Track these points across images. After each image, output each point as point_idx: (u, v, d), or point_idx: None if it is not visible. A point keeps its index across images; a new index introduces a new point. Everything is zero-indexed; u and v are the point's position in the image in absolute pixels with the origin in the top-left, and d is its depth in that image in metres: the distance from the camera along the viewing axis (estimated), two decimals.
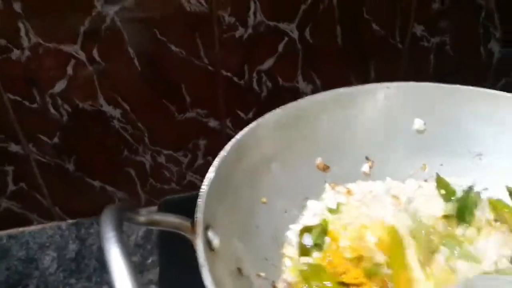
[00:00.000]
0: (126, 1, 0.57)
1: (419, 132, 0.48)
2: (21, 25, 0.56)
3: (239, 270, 0.36)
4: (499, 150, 0.47)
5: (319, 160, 0.47)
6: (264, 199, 0.43)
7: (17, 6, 0.54)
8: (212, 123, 0.69)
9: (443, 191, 0.47)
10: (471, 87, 0.46)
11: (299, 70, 0.66)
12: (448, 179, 0.48)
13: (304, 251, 0.42)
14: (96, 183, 0.70)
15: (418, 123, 0.48)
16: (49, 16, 0.56)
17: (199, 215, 0.33)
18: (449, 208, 0.44)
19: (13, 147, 0.64)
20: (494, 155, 0.47)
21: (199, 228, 0.32)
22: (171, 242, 0.63)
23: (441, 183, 0.48)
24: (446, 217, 0.44)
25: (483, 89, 0.46)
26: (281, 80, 0.67)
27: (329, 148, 0.47)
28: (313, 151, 0.47)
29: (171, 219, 0.32)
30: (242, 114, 0.69)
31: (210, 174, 0.36)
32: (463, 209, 0.44)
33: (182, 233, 0.32)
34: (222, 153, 0.38)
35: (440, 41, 0.68)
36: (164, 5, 0.58)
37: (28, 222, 0.71)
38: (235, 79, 0.66)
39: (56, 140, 0.65)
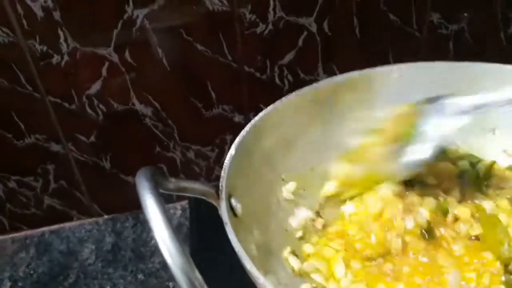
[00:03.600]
0: (154, 5, 0.61)
1: None
2: (60, 32, 0.60)
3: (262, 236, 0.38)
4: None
5: (336, 142, 0.49)
6: (283, 176, 0.45)
7: (56, 15, 0.59)
8: (237, 118, 0.72)
9: None
10: (483, 63, 0.48)
11: (319, 63, 0.69)
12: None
13: None
14: (131, 179, 0.74)
15: None
16: (85, 22, 0.61)
17: (223, 184, 0.36)
18: None
19: (54, 147, 0.69)
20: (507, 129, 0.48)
21: (223, 195, 0.34)
22: (201, 232, 0.66)
23: None
24: None
25: (495, 65, 0.47)
26: (302, 73, 0.69)
27: (347, 130, 0.49)
28: (331, 133, 0.49)
29: (198, 186, 0.35)
30: None
31: (232, 150, 0.39)
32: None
33: (208, 199, 0.35)
34: (242, 133, 0.41)
35: (458, 28, 0.69)
36: (189, 5, 0.62)
37: (69, 218, 0.76)
38: (258, 74, 0.69)
39: (92, 139, 0.69)
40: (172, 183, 0.32)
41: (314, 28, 0.66)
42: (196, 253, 0.59)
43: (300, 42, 0.67)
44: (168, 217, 0.73)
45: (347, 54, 0.69)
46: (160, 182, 0.30)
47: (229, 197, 0.36)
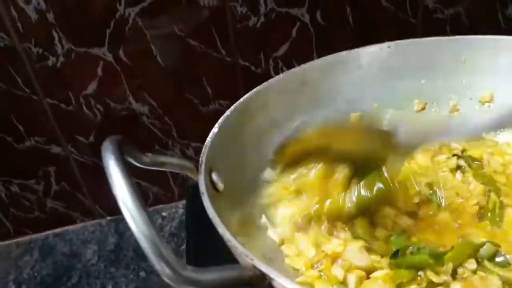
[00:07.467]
0: (145, 2, 0.61)
1: None
2: (54, 33, 0.61)
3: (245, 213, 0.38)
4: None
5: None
6: (272, 156, 0.45)
7: (50, 17, 0.60)
8: None
9: None
10: (469, 36, 0.47)
11: (314, 53, 0.68)
12: None
13: None
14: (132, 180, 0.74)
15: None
16: (78, 23, 0.61)
17: (203, 158, 0.35)
18: None
19: (54, 149, 0.70)
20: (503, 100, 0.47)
21: (202, 168, 0.34)
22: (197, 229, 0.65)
23: None
24: None
25: (482, 36, 0.46)
26: (297, 65, 0.68)
27: (336, 112, 0.48)
28: (320, 115, 0.48)
29: (176, 161, 0.34)
30: None
31: (215, 128, 0.39)
32: None
33: (187, 174, 0.34)
34: (227, 112, 0.41)
35: (454, 12, 0.68)
36: (180, 1, 0.62)
37: (72, 221, 0.76)
38: (253, 68, 0.68)
39: (91, 139, 0.70)
40: (149, 157, 0.32)
41: (307, 19, 0.66)
42: (193, 251, 0.57)
43: (293, 33, 0.67)
44: (170, 215, 0.74)
45: (342, 43, 0.67)
46: (134, 155, 0.30)
47: (209, 172, 0.35)
